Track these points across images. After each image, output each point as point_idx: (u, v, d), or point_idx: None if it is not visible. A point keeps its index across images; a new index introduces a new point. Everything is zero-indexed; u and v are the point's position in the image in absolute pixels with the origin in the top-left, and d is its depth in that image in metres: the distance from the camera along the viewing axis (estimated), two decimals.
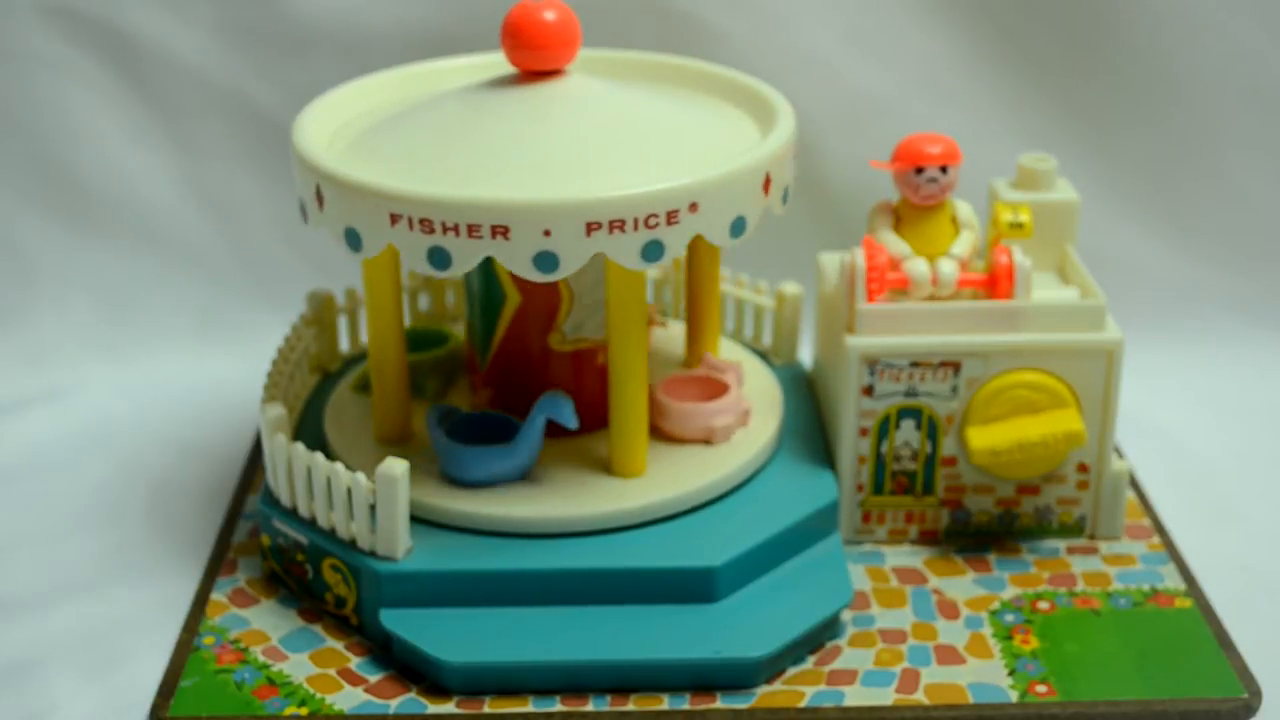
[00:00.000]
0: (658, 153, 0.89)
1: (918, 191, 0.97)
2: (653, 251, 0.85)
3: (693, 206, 0.85)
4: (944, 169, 0.96)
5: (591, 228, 0.83)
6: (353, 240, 0.87)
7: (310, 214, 0.91)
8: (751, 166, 0.88)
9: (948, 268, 0.96)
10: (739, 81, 1.01)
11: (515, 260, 0.84)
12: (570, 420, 0.93)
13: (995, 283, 0.96)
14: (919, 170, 0.96)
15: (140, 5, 1.27)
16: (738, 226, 0.89)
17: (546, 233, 0.83)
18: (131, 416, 1.20)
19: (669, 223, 0.85)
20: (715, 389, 1.01)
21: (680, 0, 1.27)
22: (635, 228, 0.84)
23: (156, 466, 1.13)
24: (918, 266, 0.96)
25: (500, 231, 0.83)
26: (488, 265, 0.96)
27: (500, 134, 0.89)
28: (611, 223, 0.84)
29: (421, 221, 0.84)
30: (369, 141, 0.93)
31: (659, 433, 0.99)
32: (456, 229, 0.84)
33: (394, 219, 0.85)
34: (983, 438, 0.95)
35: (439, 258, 0.85)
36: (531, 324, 0.98)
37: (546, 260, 0.84)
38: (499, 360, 0.99)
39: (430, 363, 1.04)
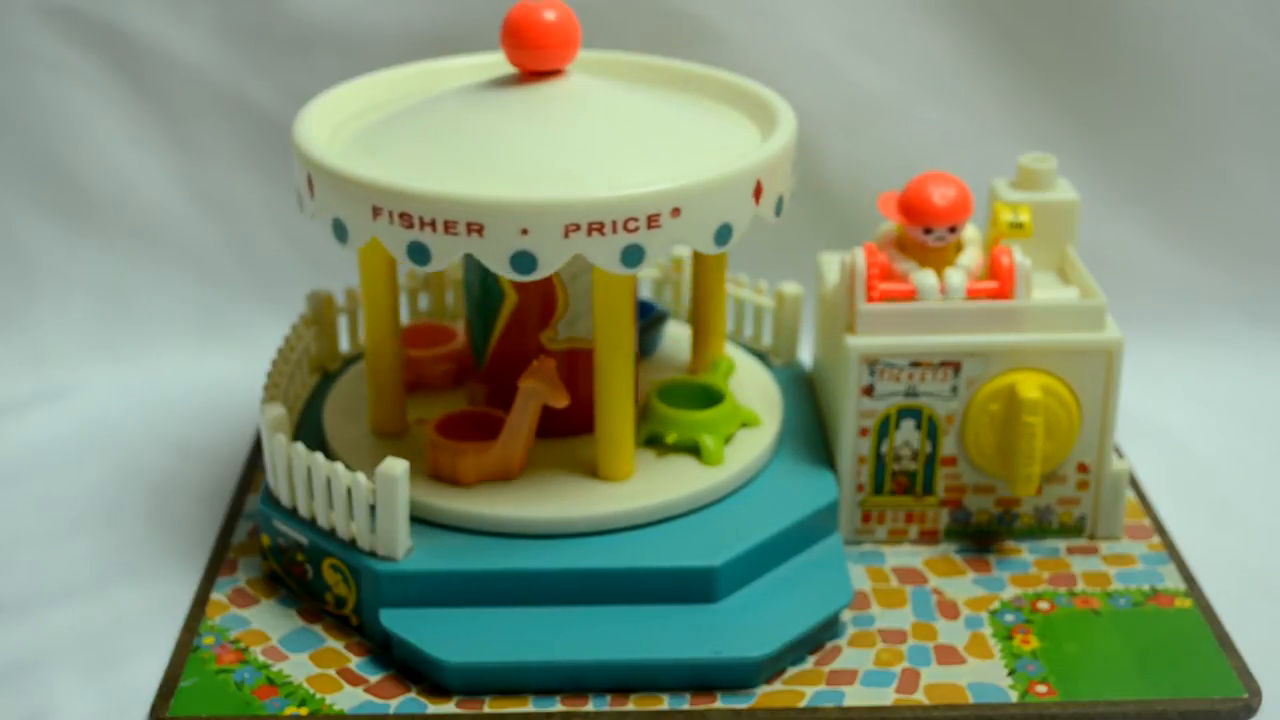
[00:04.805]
0: (652, 155, 0.89)
1: (924, 244, 0.97)
2: (632, 256, 0.85)
3: (675, 211, 0.84)
4: (953, 228, 0.96)
5: (569, 229, 0.83)
6: (339, 232, 0.88)
7: (304, 205, 0.92)
8: (740, 173, 0.87)
9: (956, 278, 0.95)
10: (740, 85, 1.01)
11: (493, 258, 0.84)
12: None
13: (999, 290, 0.96)
14: (927, 230, 0.96)
15: (140, 5, 1.27)
16: (723, 234, 0.87)
17: (524, 231, 0.83)
18: (131, 416, 1.20)
19: (649, 227, 0.84)
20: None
21: (680, 0, 1.27)
22: (614, 230, 0.84)
23: (156, 466, 1.13)
24: (926, 278, 0.95)
25: (475, 229, 0.83)
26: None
27: (495, 133, 0.89)
28: (590, 225, 0.83)
29: (401, 216, 0.84)
30: (366, 138, 0.93)
31: None
32: (434, 224, 0.84)
33: (376, 212, 0.85)
34: (1017, 482, 0.95)
35: (418, 253, 0.85)
36: (528, 323, 0.97)
37: (524, 260, 0.84)
38: (495, 358, 0.99)
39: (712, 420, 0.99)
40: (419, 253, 0.85)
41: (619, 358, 0.91)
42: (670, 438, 0.97)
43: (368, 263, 0.96)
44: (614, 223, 0.83)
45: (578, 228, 0.83)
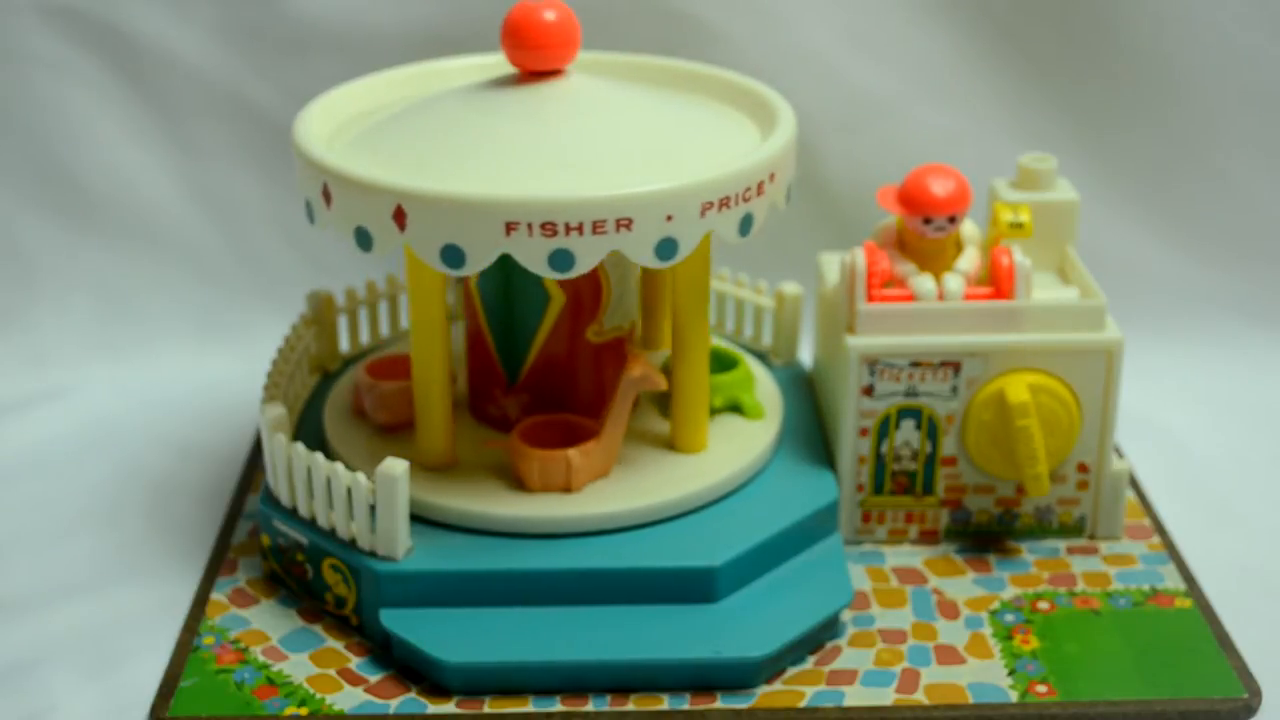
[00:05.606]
0: (667, 149, 0.90)
1: (924, 235, 0.97)
2: (746, 225, 0.88)
3: (771, 177, 0.89)
4: (952, 218, 0.96)
5: (705, 208, 0.85)
6: (452, 258, 0.84)
7: (378, 240, 0.86)
8: (793, 139, 0.92)
9: (954, 283, 0.95)
10: (740, 84, 1.01)
11: (639, 250, 0.84)
12: None
13: (999, 291, 0.96)
14: (927, 220, 0.96)
15: (140, 5, 1.27)
16: (788, 196, 0.93)
17: (669, 218, 0.84)
18: (131, 416, 1.20)
19: (758, 194, 0.88)
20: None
21: (680, 0, 1.27)
22: (737, 203, 0.87)
23: (156, 466, 1.13)
24: (924, 283, 0.95)
25: (624, 224, 0.83)
26: (523, 272, 0.92)
27: (512, 134, 0.89)
28: (720, 201, 0.86)
29: (544, 226, 0.83)
30: (369, 141, 0.93)
31: None
32: (581, 228, 0.83)
33: (509, 228, 0.83)
34: (1027, 485, 0.95)
35: (561, 260, 0.84)
36: (572, 321, 0.97)
37: (667, 246, 0.85)
38: (539, 363, 0.98)
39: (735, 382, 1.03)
40: (562, 260, 0.84)
41: (699, 329, 0.94)
42: (716, 402, 1.00)
43: (418, 285, 0.92)
44: (736, 195, 0.86)
45: (711, 205, 0.85)
